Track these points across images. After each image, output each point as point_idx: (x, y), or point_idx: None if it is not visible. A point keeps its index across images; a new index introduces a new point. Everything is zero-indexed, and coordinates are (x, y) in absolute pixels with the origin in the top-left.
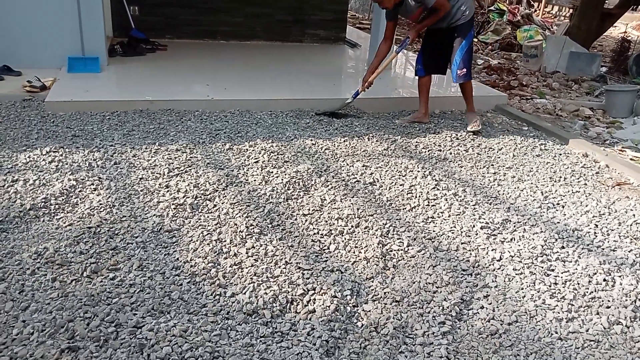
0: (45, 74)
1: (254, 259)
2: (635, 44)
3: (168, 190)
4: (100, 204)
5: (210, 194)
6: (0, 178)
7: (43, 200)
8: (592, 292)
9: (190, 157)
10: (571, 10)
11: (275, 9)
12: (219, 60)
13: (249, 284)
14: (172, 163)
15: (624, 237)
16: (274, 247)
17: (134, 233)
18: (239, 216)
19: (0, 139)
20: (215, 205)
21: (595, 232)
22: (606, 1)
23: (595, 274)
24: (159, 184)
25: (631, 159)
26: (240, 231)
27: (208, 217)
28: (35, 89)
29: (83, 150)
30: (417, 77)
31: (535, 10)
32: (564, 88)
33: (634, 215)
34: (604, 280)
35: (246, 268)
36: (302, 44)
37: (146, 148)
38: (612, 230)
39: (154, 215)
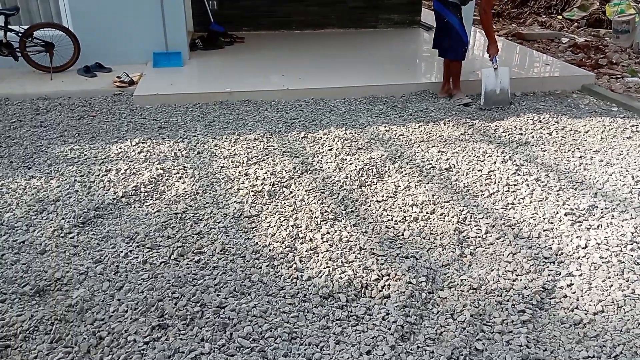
0: (133, 69)
1: (329, 244)
2: None
3: (247, 178)
4: (185, 192)
5: (286, 181)
6: (96, 168)
7: (134, 188)
8: None
9: (268, 146)
10: None
11: None
12: (294, 50)
13: (324, 268)
14: (251, 152)
15: None
16: (348, 232)
17: (216, 219)
18: (314, 202)
19: (94, 132)
20: (291, 192)
21: None
22: None
23: None
24: (239, 172)
25: None
26: (315, 217)
27: (285, 203)
28: (124, 84)
29: (169, 140)
30: (450, 61)
31: None
32: None
33: None
34: None
35: (321, 253)
36: (376, 29)
37: (226, 138)
38: None
39: (235, 202)
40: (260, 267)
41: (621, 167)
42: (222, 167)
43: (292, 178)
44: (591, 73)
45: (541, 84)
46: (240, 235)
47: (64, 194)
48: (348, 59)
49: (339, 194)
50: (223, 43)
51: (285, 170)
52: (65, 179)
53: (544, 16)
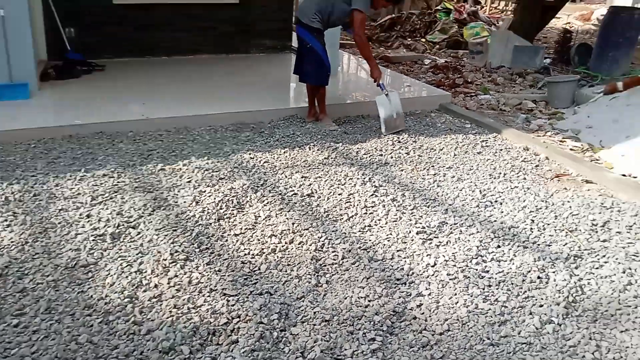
0: None
1: (176, 290)
2: (577, 34)
3: (89, 221)
4: (12, 242)
5: (134, 220)
6: None
7: None
8: (526, 291)
9: (118, 182)
10: (515, 5)
11: (218, 22)
12: (159, 77)
13: (167, 317)
14: (97, 190)
15: (560, 230)
16: (200, 273)
17: (45, 272)
18: (164, 243)
19: None
20: (139, 233)
21: (531, 228)
22: None
23: (530, 271)
24: (80, 215)
25: (571, 149)
26: (163, 259)
27: (130, 246)
28: None
29: (1, 183)
30: (314, 86)
31: (482, 7)
32: (508, 82)
33: (570, 207)
34: (538, 277)
35: (166, 300)
36: (248, 54)
37: (70, 176)
38: (549, 224)
39: (70, 249)
40: (92, 325)
41: (471, 182)
42: (60, 209)
43: (142, 217)
44: (447, 92)
45: (403, 105)
46: (73, 289)
47: None
48: (216, 85)
49: (193, 230)
50: (80, 72)
51: (135, 209)
52: None
53: (410, 39)
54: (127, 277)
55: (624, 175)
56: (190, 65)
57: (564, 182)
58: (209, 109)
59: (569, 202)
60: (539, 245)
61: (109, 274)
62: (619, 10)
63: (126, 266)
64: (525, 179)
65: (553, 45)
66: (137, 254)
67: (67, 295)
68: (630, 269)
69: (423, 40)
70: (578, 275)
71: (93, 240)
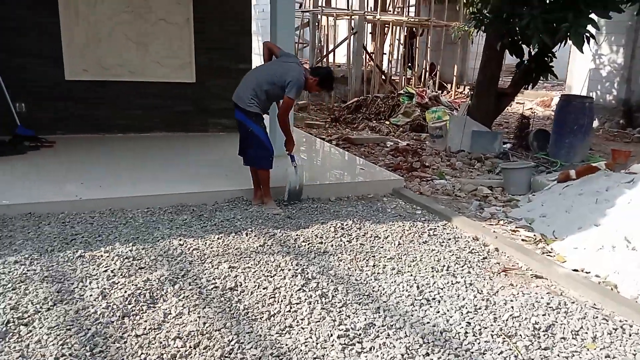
0: None
1: None
2: (534, 119)
3: None
4: None
5: (28, 317)
6: None
7: None
8: None
9: (27, 270)
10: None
11: (175, 100)
12: (109, 155)
13: None
14: (2, 279)
15: (497, 336)
16: None
17: None
18: (52, 344)
19: None
20: (29, 332)
21: (466, 332)
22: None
23: None
24: None
25: (523, 240)
26: None
27: (14, 348)
28: None
29: None
30: (262, 169)
31: (449, 92)
32: (466, 167)
33: (512, 307)
34: None
35: None
36: (207, 133)
37: None
38: (486, 328)
39: None
40: None
41: (410, 276)
42: None
43: (38, 312)
44: (400, 177)
45: (355, 189)
46: None
47: None
48: (166, 164)
49: (89, 329)
50: (26, 148)
51: (33, 303)
52: None
53: (375, 122)
54: None
55: (575, 270)
56: (145, 142)
57: (511, 276)
58: (150, 189)
59: (512, 300)
60: (472, 353)
61: None
62: (571, 98)
63: None
64: (469, 272)
65: (513, 130)
66: (17, 358)
67: None
68: None
69: (387, 122)
70: None
71: None
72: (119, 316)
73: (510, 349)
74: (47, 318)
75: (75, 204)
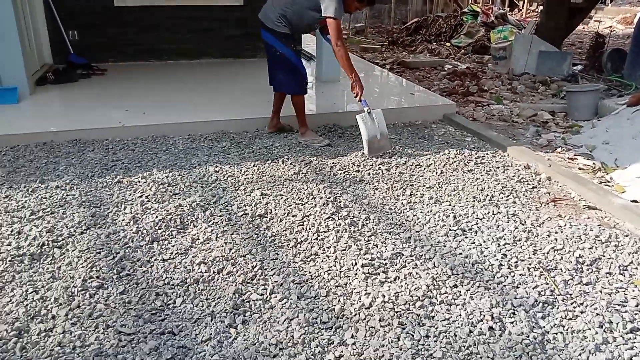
0: None
1: (71, 323)
2: (609, 38)
3: (17, 239)
4: None
5: (63, 240)
6: None
7: None
8: (470, 346)
9: (67, 195)
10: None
11: (223, 23)
12: (158, 82)
13: (46, 358)
14: (43, 204)
15: (534, 269)
16: (105, 305)
17: None
18: (82, 267)
19: None
20: (62, 254)
21: (500, 265)
22: None
23: (482, 320)
24: (11, 231)
25: (580, 168)
26: (74, 286)
27: (47, 269)
28: None
29: None
30: (295, 96)
31: (520, 10)
32: (529, 91)
33: (555, 239)
34: (490, 328)
35: (54, 336)
36: (255, 59)
37: (24, 187)
38: (523, 260)
39: None
40: None
41: (449, 205)
42: None
43: (72, 235)
44: (452, 102)
45: (401, 115)
46: None
47: None
48: (212, 91)
49: (118, 253)
50: (78, 76)
51: (68, 226)
52: None
53: (435, 43)
54: (26, 305)
55: (634, 201)
56: (193, 69)
57: (560, 207)
58: (192, 116)
59: (556, 232)
60: (504, 286)
61: (10, 300)
62: None
63: (31, 292)
64: (515, 202)
65: (586, 50)
66: (48, 279)
67: None
68: (611, 322)
69: (448, 44)
70: (543, 327)
71: (10, 261)
72: (148, 240)
73: (547, 283)
74: (80, 241)
75: (119, 131)
